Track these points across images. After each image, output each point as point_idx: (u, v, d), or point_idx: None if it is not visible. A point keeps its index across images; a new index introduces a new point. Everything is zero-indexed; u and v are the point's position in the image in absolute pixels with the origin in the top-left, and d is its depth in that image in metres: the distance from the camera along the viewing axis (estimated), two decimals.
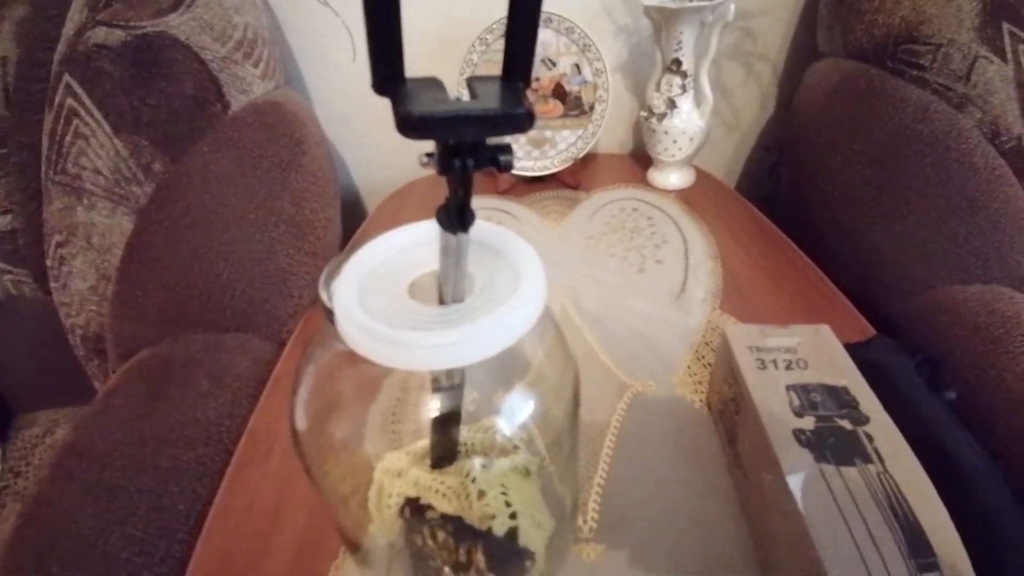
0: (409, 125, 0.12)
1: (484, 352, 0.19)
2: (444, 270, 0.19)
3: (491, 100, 0.13)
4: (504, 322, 0.19)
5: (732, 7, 0.60)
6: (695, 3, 0.60)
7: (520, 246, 0.23)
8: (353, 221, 0.75)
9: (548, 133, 0.75)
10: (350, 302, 0.20)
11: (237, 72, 0.57)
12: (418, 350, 0.18)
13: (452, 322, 0.19)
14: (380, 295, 0.21)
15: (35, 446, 0.64)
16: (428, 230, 0.24)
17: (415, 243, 0.24)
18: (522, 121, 0.13)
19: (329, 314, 0.21)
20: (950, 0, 0.55)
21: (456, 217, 0.16)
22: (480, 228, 0.22)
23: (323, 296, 0.22)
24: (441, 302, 0.21)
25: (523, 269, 0.22)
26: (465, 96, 0.14)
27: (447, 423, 0.26)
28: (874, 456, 0.30)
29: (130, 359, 0.53)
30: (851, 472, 0.30)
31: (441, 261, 0.19)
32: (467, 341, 0.18)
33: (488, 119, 0.13)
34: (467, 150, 0.14)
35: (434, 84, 0.14)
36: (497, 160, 0.15)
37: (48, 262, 0.57)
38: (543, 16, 0.67)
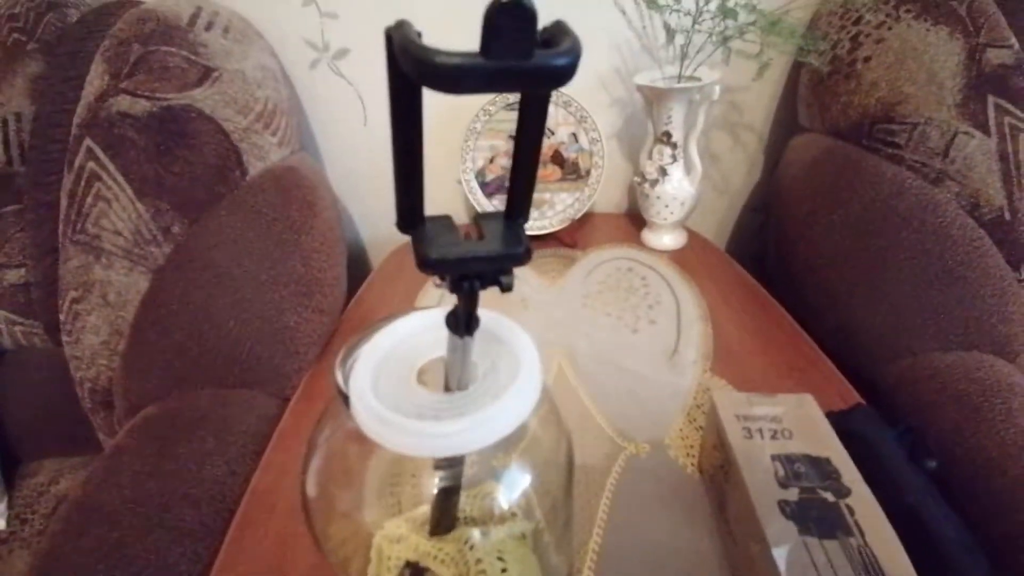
0: (428, 265, 0.15)
1: (486, 440, 0.21)
2: (451, 364, 0.21)
3: (495, 241, 0.16)
4: (505, 411, 0.21)
5: (717, 88, 0.64)
6: (683, 84, 0.65)
7: (518, 334, 0.25)
8: (358, 274, 0.77)
9: (547, 195, 0.79)
10: (365, 388, 0.22)
11: (256, 141, 0.60)
12: (427, 439, 0.20)
13: (457, 410, 0.21)
14: (392, 381, 0.23)
15: (41, 495, 0.64)
16: (436, 317, 0.26)
17: (424, 328, 0.26)
18: (521, 258, 0.16)
19: (344, 398, 0.23)
20: (931, 79, 0.58)
21: (463, 324, 0.18)
22: (483, 317, 0.25)
23: (338, 377, 0.24)
24: (447, 388, 0.23)
25: (522, 356, 0.24)
26: (470, 237, 0.16)
27: (447, 495, 0.28)
28: (855, 529, 0.32)
29: (137, 413, 0.54)
30: (833, 545, 0.31)
31: (448, 356, 0.21)
32: (471, 430, 0.20)
33: (492, 258, 0.16)
34: (474, 275, 0.17)
35: (447, 225, 0.16)
36: (500, 282, 0.17)
37: (62, 316, 0.59)
38: None
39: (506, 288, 0.17)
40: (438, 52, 0.11)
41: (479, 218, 0.17)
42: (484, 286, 0.17)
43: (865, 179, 0.59)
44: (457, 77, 0.12)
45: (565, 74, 0.12)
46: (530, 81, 0.12)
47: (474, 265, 0.16)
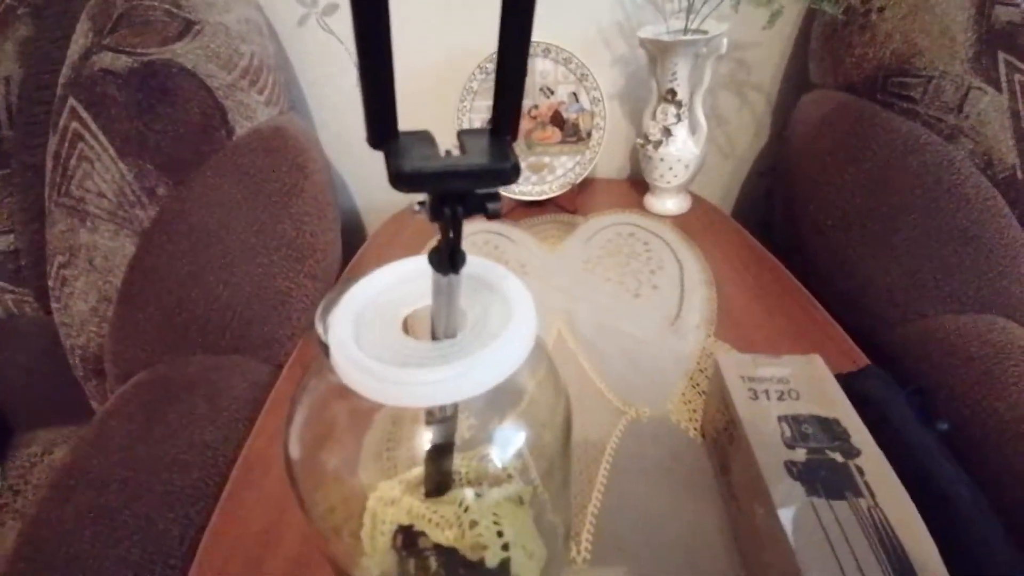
0: (401, 180, 0.13)
1: (476, 388, 0.19)
2: (437, 308, 0.20)
3: (479, 155, 0.14)
4: (495, 358, 0.20)
5: (725, 41, 0.61)
6: (689, 36, 0.62)
7: (511, 281, 0.23)
8: (354, 242, 0.75)
9: (546, 159, 0.77)
10: (345, 337, 0.20)
11: (242, 99, 0.58)
12: (411, 387, 0.18)
13: (444, 358, 0.20)
14: (375, 330, 0.21)
15: (34, 465, 0.64)
16: (422, 264, 0.24)
17: (410, 277, 0.24)
18: (508, 175, 0.14)
19: (324, 348, 0.21)
20: (943, 32, 0.56)
21: (447, 260, 0.17)
22: (472, 263, 0.23)
23: (319, 329, 0.23)
24: (434, 337, 0.21)
25: (514, 304, 0.22)
26: (455, 151, 0.14)
27: (441, 454, 0.27)
28: (864, 490, 0.31)
29: (128, 380, 0.53)
30: (841, 506, 0.30)
31: (434, 299, 0.20)
32: (458, 377, 0.19)
33: (475, 173, 0.14)
34: (457, 199, 0.15)
35: (425, 139, 0.14)
36: (485, 207, 0.15)
37: (50, 283, 0.58)
38: (542, 46, 0.69)
39: (492, 215, 0.15)
40: None
41: (462, 134, 0.15)
42: (468, 213, 0.15)
43: (879, 135, 0.57)
44: None
45: None
46: None
47: (455, 181, 0.14)
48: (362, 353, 0.20)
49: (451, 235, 0.16)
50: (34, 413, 0.69)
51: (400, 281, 0.24)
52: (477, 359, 0.19)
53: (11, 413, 0.69)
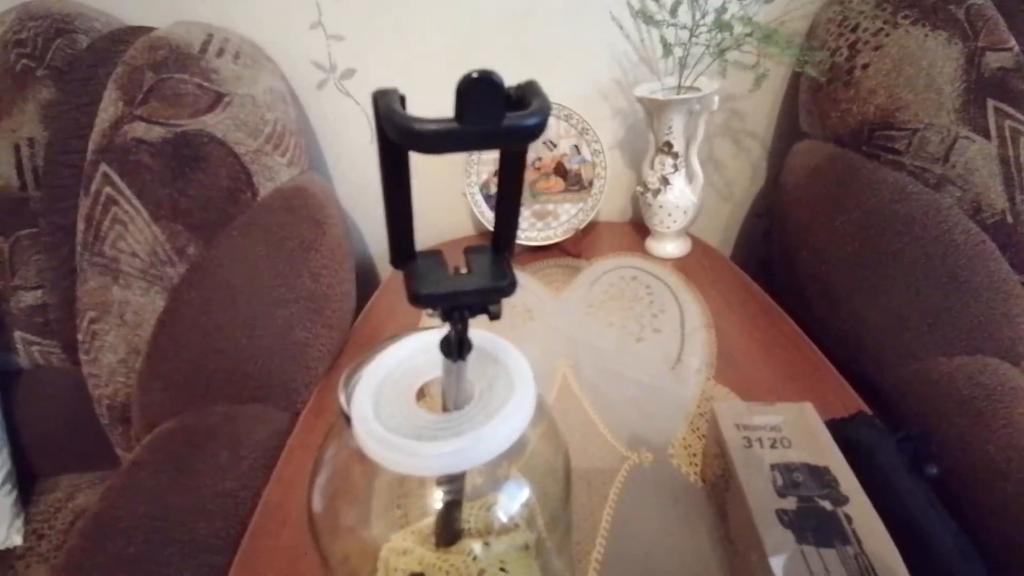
0: (419, 300, 0.16)
1: (482, 458, 0.22)
2: (447, 385, 0.22)
3: (482, 275, 0.17)
4: (499, 431, 0.22)
5: (716, 98, 0.65)
6: (682, 96, 0.66)
7: (513, 354, 0.26)
8: (367, 284, 0.79)
9: (551, 206, 0.80)
10: (366, 411, 0.23)
11: (266, 162, 0.62)
12: (425, 459, 0.21)
13: (454, 430, 0.22)
14: (392, 402, 0.24)
15: (58, 510, 0.66)
16: (434, 338, 0.27)
17: (423, 349, 0.27)
18: (507, 291, 0.17)
19: (347, 419, 0.24)
20: (929, 85, 0.59)
21: (456, 350, 0.20)
22: (479, 337, 0.26)
23: (341, 399, 0.26)
24: (445, 408, 0.24)
25: (516, 377, 0.25)
26: (463, 268, 0.17)
27: (450, 509, 0.29)
28: (852, 537, 0.32)
29: (154, 429, 0.56)
30: (830, 554, 0.32)
31: (444, 377, 0.22)
32: (466, 450, 0.21)
33: (479, 292, 0.17)
34: (464, 306, 0.18)
35: (437, 261, 0.17)
36: (488, 310, 0.18)
37: (80, 336, 0.62)
38: None
39: (494, 317, 0.18)
40: (417, 120, 0.12)
41: (468, 251, 0.18)
42: (473, 315, 0.18)
43: (866, 185, 0.60)
44: (435, 142, 0.13)
45: (534, 133, 0.13)
46: (503, 141, 0.14)
47: (462, 299, 0.17)
48: (380, 427, 0.22)
49: (459, 332, 0.19)
50: (57, 459, 0.72)
51: (415, 353, 0.27)
52: (483, 432, 0.22)
53: (35, 459, 0.71)
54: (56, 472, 0.72)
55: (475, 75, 0.12)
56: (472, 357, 0.25)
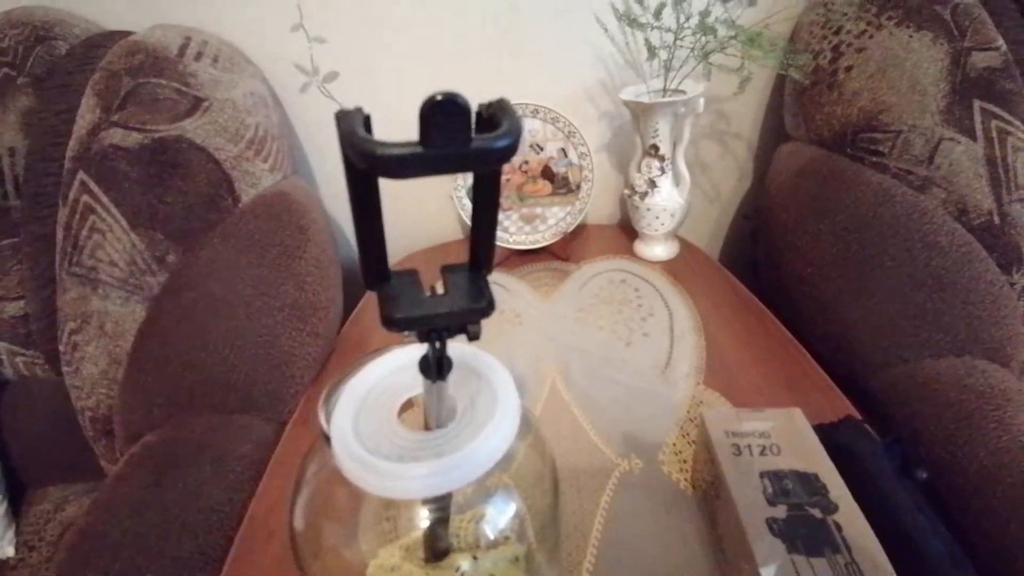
0: (393, 324, 0.16)
1: (465, 479, 0.21)
2: (428, 404, 0.22)
3: (458, 296, 0.16)
4: (481, 451, 0.22)
5: (702, 101, 0.65)
6: (667, 99, 0.66)
7: (496, 368, 0.25)
8: (354, 291, 0.78)
9: (538, 210, 0.80)
10: (346, 431, 0.22)
11: (248, 168, 0.61)
12: (406, 481, 0.20)
13: (436, 449, 0.22)
14: (372, 421, 0.24)
15: (47, 522, 0.65)
16: (415, 354, 0.27)
17: (404, 365, 0.27)
18: (484, 312, 0.16)
19: (326, 439, 0.23)
20: (913, 87, 0.59)
21: (435, 370, 0.19)
22: (460, 351, 0.25)
23: (321, 418, 0.25)
24: (427, 427, 0.23)
25: (499, 391, 0.24)
26: (440, 288, 0.17)
27: (437, 525, 0.28)
28: (842, 546, 0.32)
29: (137, 441, 0.55)
30: (820, 563, 0.31)
31: (425, 397, 0.22)
32: (449, 471, 0.21)
33: (455, 314, 0.16)
34: (441, 327, 0.17)
35: (412, 281, 0.17)
36: (466, 330, 0.18)
37: (61, 347, 0.60)
38: (531, 107, 0.73)
39: (473, 337, 0.17)
40: (380, 144, 0.12)
41: (445, 271, 0.17)
42: (451, 335, 0.18)
43: (850, 188, 0.60)
44: (399, 167, 0.12)
45: (504, 156, 0.13)
46: (471, 164, 0.13)
47: (438, 321, 0.16)
48: (361, 448, 0.22)
49: (437, 352, 0.18)
50: (45, 471, 0.71)
51: (397, 368, 0.27)
52: (466, 452, 0.21)
53: (23, 471, 0.70)
54: (44, 483, 0.71)
55: (439, 98, 0.12)
56: (454, 372, 0.24)
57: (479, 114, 0.13)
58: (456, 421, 0.23)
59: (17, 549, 0.63)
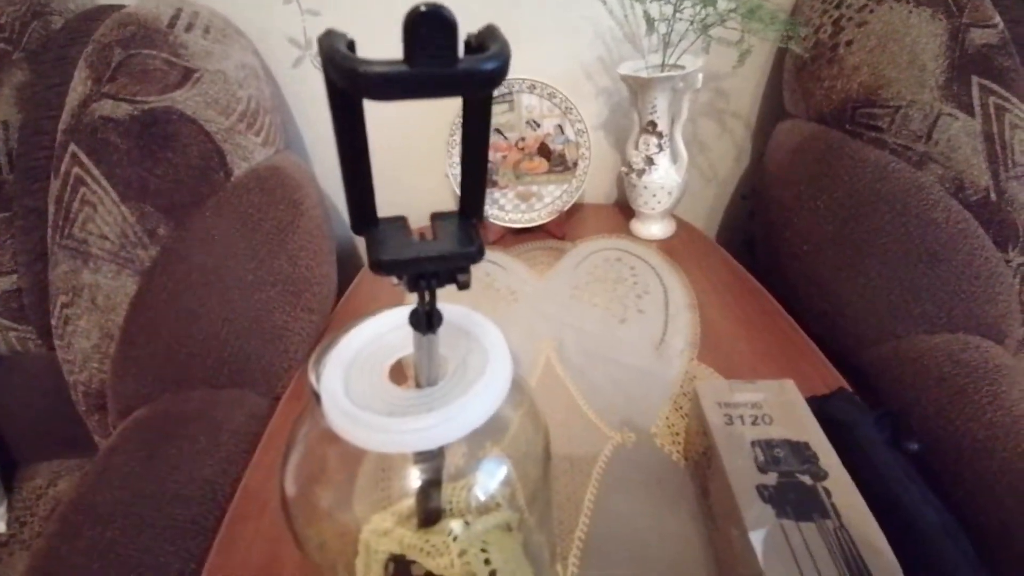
0: (380, 267, 0.15)
1: (456, 433, 0.21)
2: (419, 360, 0.22)
3: (447, 240, 0.16)
4: (473, 405, 0.22)
5: (700, 76, 0.64)
6: (666, 73, 0.65)
7: (487, 328, 0.25)
8: (349, 269, 0.78)
9: (534, 187, 0.79)
10: (335, 387, 0.22)
11: (240, 141, 0.60)
12: (396, 435, 0.20)
13: (427, 405, 0.22)
14: (363, 379, 0.23)
15: (39, 497, 0.65)
16: (406, 315, 0.26)
17: (395, 326, 0.26)
18: (474, 257, 0.16)
19: (316, 397, 0.23)
20: (912, 61, 0.58)
21: (425, 322, 0.19)
22: (451, 312, 0.25)
23: (311, 378, 0.25)
24: (418, 385, 0.23)
25: (491, 350, 0.24)
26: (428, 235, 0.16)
27: (430, 487, 0.28)
28: (831, 511, 0.32)
29: (129, 415, 0.55)
30: (809, 528, 0.32)
31: (416, 353, 0.22)
32: (440, 424, 0.21)
33: (444, 257, 0.16)
34: (431, 274, 0.17)
35: (400, 225, 0.17)
36: (456, 279, 0.17)
37: (53, 321, 0.60)
38: (527, 82, 0.72)
39: (462, 286, 0.17)
40: (362, 62, 0.11)
41: (434, 217, 0.17)
42: (441, 284, 0.17)
43: (848, 164, 0.59)
44: (383, 86, 0.12)
45: (493, 79, 0.12)
46: (458, 87, 0.13)
47: (427, 265, 0.16)
48: (351, 403, 0.21)
49: (427, 303, 0.18)
50: (38, 446, 0.71)
51: (387, 330, 0.26)
52: (457, 407, 0.21)
53: (16, 446, 0.70)
54: (37, 459, 0.71)
55: (423, 8, 0.11)
56: (445, 332, 0.24)
57: (468, 43, 0.13)
58: (447, 379, 0.23)
59: (9, 525, 0.63)
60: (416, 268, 0.16)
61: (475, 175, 0.16)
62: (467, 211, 0.17)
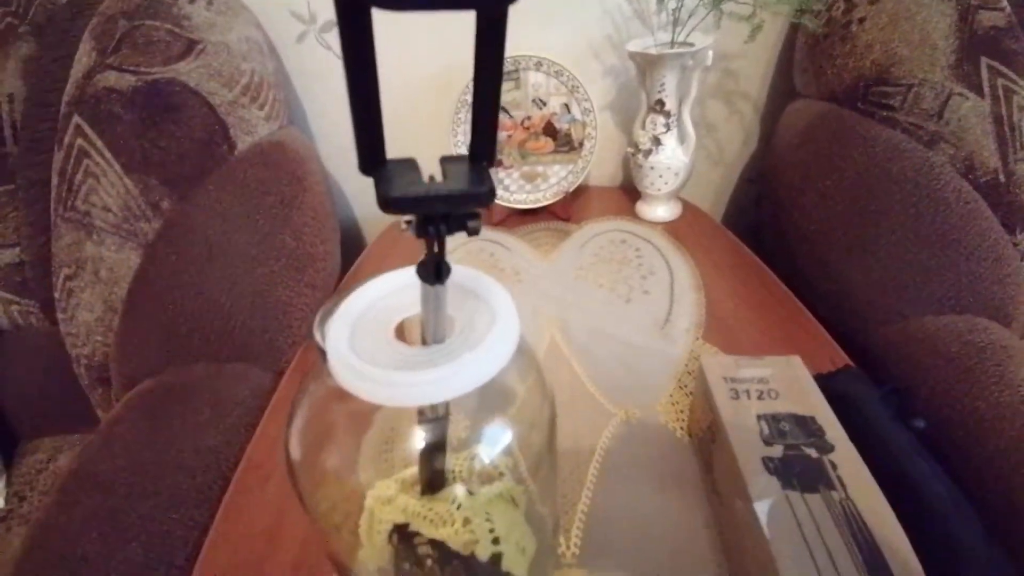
0: (389, 204, 0.15)
1: (463, 388, 0.21)
2: (426, 315, 0.21)
3: (458, 180, 0.16)
4: (480, 360, 0.21)
5: (710, 53, 0.63)
6: (675, 50, 0.64)
7: (495, 289, 0.25)
8: (353, 251, 0.77)
9: (540, 168, 0.79)
10: (341, 344, 0.22)
11: (243, 115, 0.60)
12: (402, 388, 0.20)
13: (433, 361, 0.21)
14: (369, 337, 0.23)
15: (40, 472, 0.65)
16: (413, 275, 0.26)
17: (402, 286, 0.26)
18: (485, 197, 0.16)
19: (322, 353, 0.23)
20: (924, 40, 0.58)
21: (433, 272, 0.18)
22: (459, 273, 0.25)
23: (317, 336, 0.24)
24: (424, 342, 0.23)
25: (498, 310, 0.24)
26: (438, 175, 0.16)
27: (434, 452, 0.28)
28: (837, 483, 0.32)
29: (133, 388, 0.55)
30: (815, 499, 0.31)
31: (423, 307, 0.21)
32: (446, 378, 0.20)
33: (455, 197, 0.15)
34: (440, 219, 0.16)
35: (411, 166, 0.16)
36: (466, 225, 0.17)
37: (56, 294, 0.60)
38: (534, 59, 0.71)
39: (472, 232, 0.17)
40: None
41: (444, 161, 0.16)
42: (451, 231, 0.17)
43: (859, 143, 0.59)
44: None
45: None
46: None
47: (437, 204, 0.16)
48: (356, 358, 0.21)
49: (436, 250, 0.17)
50: (39, 421, 0.71)
51: (393, 291, 0.26)
52: (463, 361, 0.21)
53: (17, 421, 0.70)
54: (38, 434, 0.71)
55: None
56: (453, 293, 0.24)
57: None
58: (454, 336, 0.23)
59: (7, 500, 0.63)
60: (426, 207, 0.16)
61: (486, 116, 0.16)
62: (478, 154, 0.16)
